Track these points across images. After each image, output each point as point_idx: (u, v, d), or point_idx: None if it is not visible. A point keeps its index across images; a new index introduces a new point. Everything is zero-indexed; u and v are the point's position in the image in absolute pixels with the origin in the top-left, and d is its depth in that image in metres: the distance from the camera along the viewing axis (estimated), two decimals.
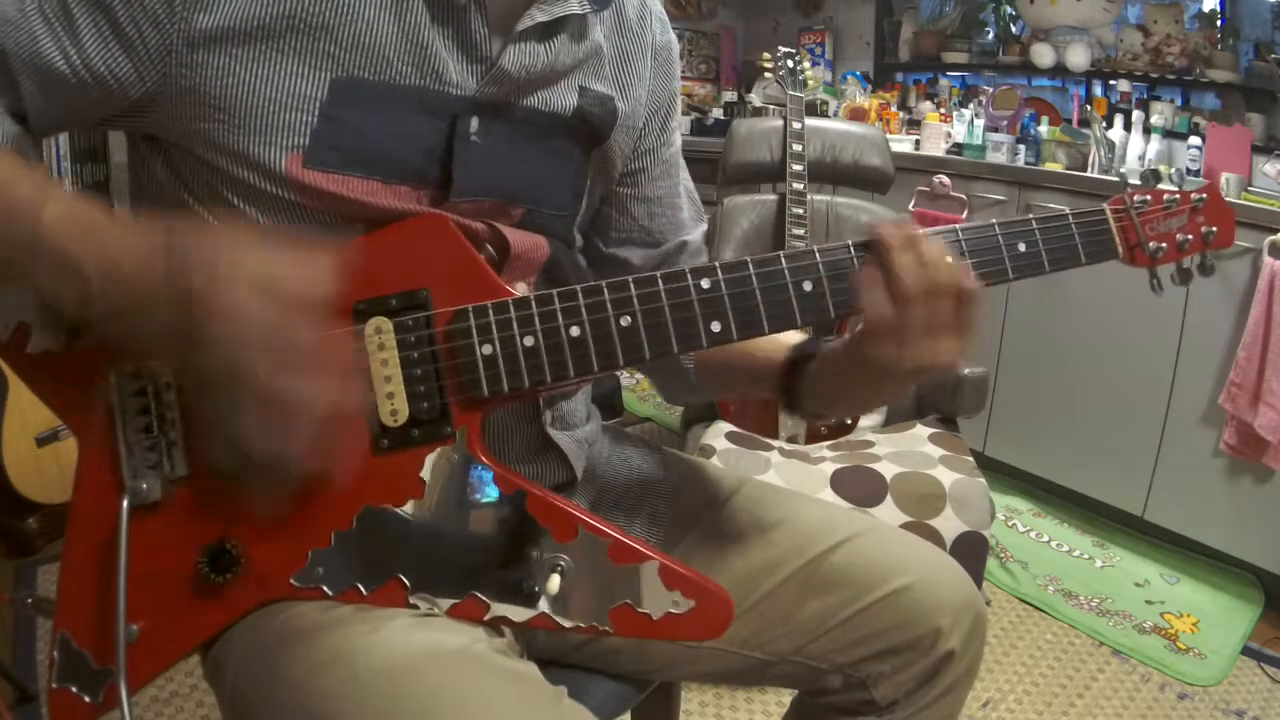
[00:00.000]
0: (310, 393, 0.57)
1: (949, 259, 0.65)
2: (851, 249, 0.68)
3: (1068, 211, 0.73)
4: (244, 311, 0.55)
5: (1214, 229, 0.77)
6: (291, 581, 0.65)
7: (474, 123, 0.69)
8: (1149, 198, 0.75)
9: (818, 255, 0.68)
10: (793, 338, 0.79)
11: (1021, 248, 0.70)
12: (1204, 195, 0.77)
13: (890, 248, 0.65)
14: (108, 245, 0.57)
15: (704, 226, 0.94)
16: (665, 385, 0.95)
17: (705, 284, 0.66)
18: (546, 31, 0.72)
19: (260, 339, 0.55)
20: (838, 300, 0.68)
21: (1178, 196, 0.76)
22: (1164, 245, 0.75)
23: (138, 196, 0.73)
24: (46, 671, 0.67)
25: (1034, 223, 0.71)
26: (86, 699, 0.65)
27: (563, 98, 0.75)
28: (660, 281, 0.66)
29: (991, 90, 2.89)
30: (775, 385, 0.79)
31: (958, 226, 0.70)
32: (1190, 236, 0.76)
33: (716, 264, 0.67)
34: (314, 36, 0.64)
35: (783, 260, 0.67)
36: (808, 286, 0.67)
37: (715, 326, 0.66)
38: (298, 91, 0.64)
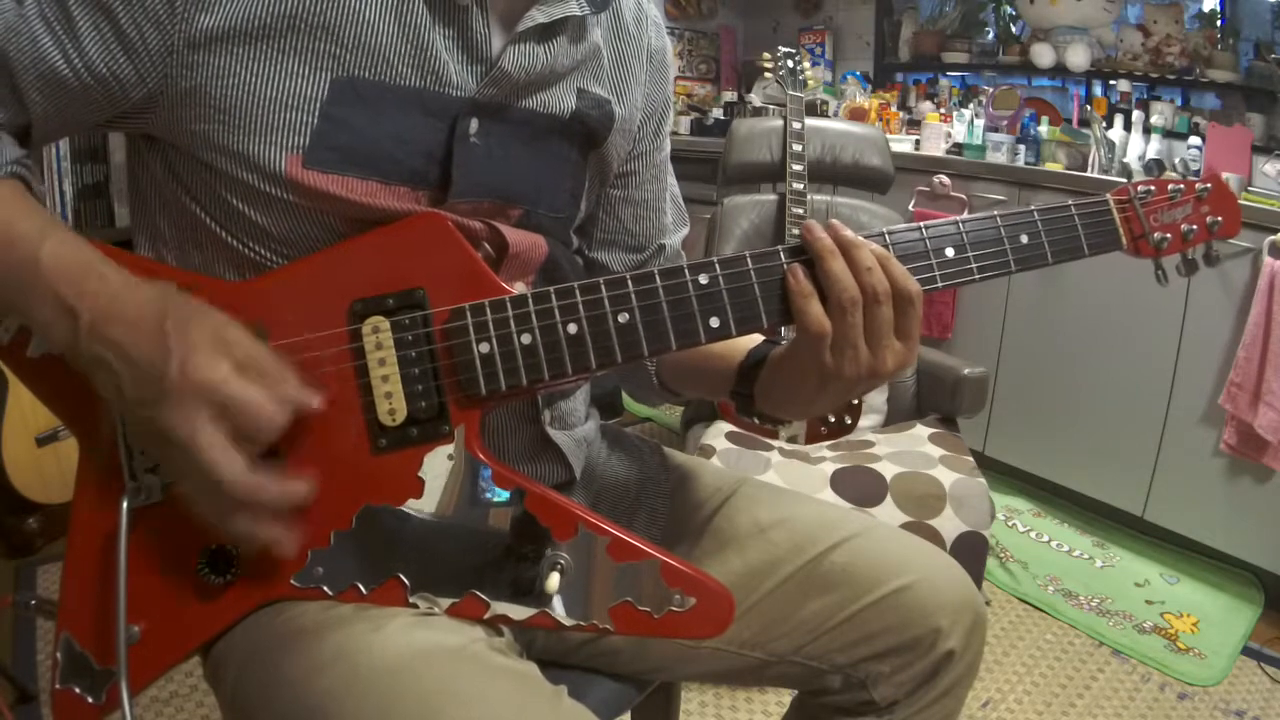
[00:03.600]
0: (240, 519, 0.59)
1: (885, 263, 0.65)
2: (784, 266, 0.67)
3: (1070, 203, 0.72)
4: (199, 428, 0.56)
5: (1219, 219, 0.76)
6: (291, 582, 0.65)
7: (473, 124, 0.69)
8: (1153, 188, 0.74)
9: None
10: (750, 342, 0.79)
11: (1024, 239, 0.70)
12: (1209, 185, 0.76)
13: (822, 255, 0.65)
14: (101, 296, 0.58)
15: (685, 231, 0.95)
16: (632, 387, 0.95)
17: (703, 279, 0.66)
18: (546, 33, 0.72)
19: (206, 458, 0.56)
20: None
21: (1182, 186, 0.75)
22: (1168, 236, 0.74)
23: (136, 198, 0.73)
24: (49, 672, 0.67)
25: (1036, 214, 0.70)
26: (89, 700, 0.65)
27: (561, 100, 0.75)
28: (658, 278, 0.66)
29: (991, 90, 2.89)
30: (730, 390, 0.78)
31: (959, 219, 0.69)
32: (1195, 226, 0.75)
33: (715, 259, 0.66)
34: (315, 37, 0.64)
35: (781, 255, 0.67)
36: None
37: (714, 322, 0.66)
38: (298, 92, 0.64)
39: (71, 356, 0.59)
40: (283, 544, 0.62)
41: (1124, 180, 0.75)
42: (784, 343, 0.75)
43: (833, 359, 0.65)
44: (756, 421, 0.79)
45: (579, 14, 0.73)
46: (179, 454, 0.57)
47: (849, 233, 0.66)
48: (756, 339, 0.79)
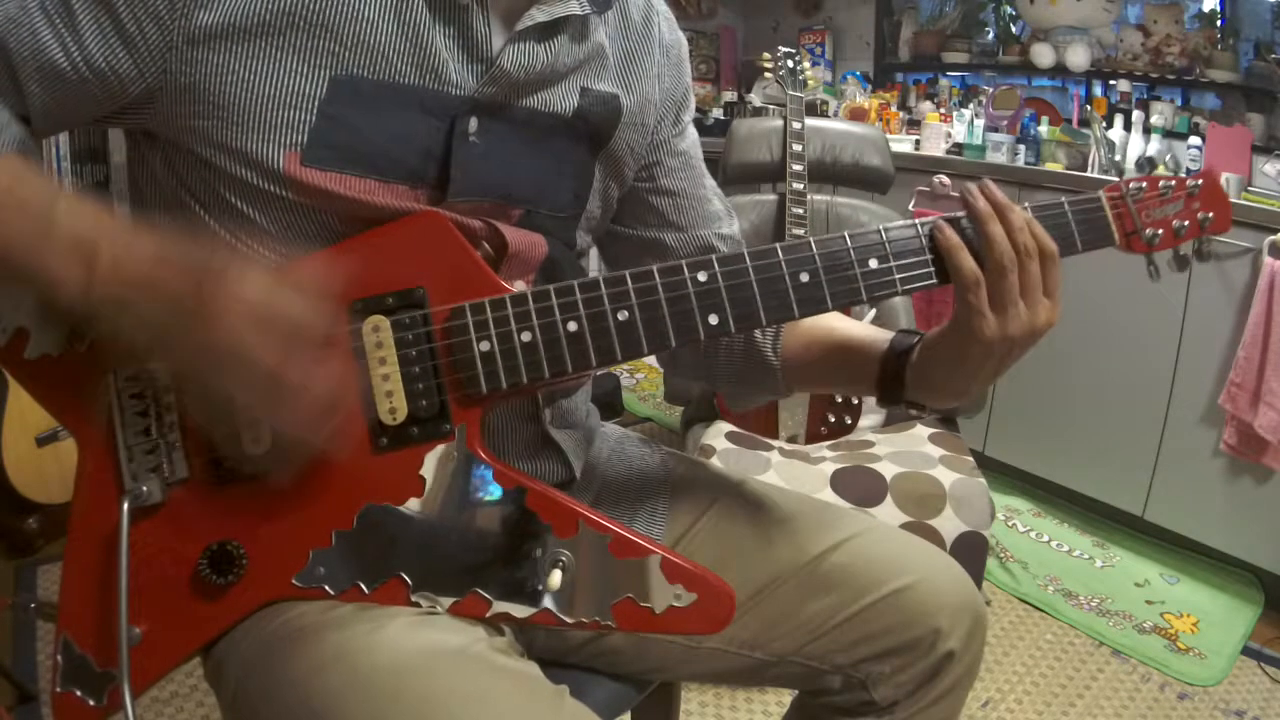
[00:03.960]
0: (312, 379, 0.59)
1: (1031, 225, 0.68)
2: (918, 227, 0.69)
3: (1063, 200, 0.73)
4: (244, 331, 0.56)
5: (1210, 215, 0.77)
6: (293, 582, 0.65)
7: (473, 123, 0.69)
8: (1145, 184, 0.75)
9: (814, 247, 0.68)
10: (884, 332, 0.80)
11: None
12: (1199, 181, 0.77)
13: (984, 219, 0.68)
14: (120, 237, 0.58)
15: (736, 223, 0.94)
16: (738, 389, 0.92)
17: (702, 277, 0.67)
18: (546, 32, 0.71)
19: (258, 355, 0.57)
20: (835, 291, 0.68)
21: (1173, 183, 0.76)
22: (1160, 232, 0.75)
23: (136, 196, 0.73)
24: (49, 674, 0.67)
25: (1030, 211, 0.71)
26: (90, 702, 0.65)
27: (563, 99, 0.75)
28: (657, 275, 0.66)
29: (991, 90, 2.89)
30: (875, 380, 0.79)
31: (959, 215, 0.70)
32: (1186, 223, 0.76)
33: (713, 257, 0.67)
34: (314, 34, 0.64)
35: (779, 252, 0.67)
36: (804, 278, 0.68)
37: (713, 319, 0.67)
38: (297, 89, 0.64)
39: (87, 306, 0.58)
40: (350, 425, 0.62)
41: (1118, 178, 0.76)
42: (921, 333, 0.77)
43: (996, 319, 0.68)
44: (903, 409, 0.81)
45: (580, 13, 0.73)
46: (226, 367, 0.57)
47: (1001, 196, 0.69)
48: (886, 331, 0.80)
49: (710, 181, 0.92)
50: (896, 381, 0.77)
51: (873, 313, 1.92)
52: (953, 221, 0.69)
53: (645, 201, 0.87)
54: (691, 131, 0.90)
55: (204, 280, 0.57)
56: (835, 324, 0.83)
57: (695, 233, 0.88)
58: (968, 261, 0.68)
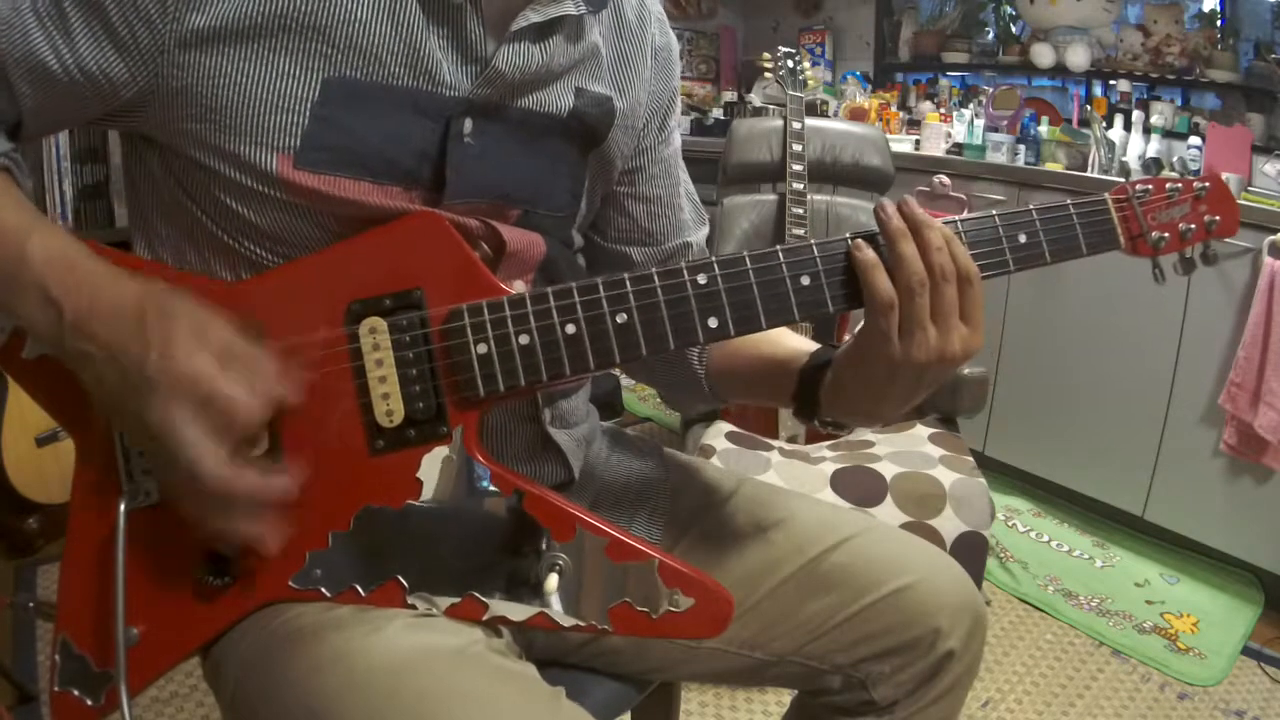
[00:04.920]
0: (235, 482, 0.58)
1: (951, 244, 0.65)
2: (849, 242, 0.67)
3: (1069, 202, 0.71)
4: (177, 420, 0.56)
5: (1217, 218, 0.75)
6: (290, 583, 0.65)
7: (468, 124, 0.69)
8: (1151, 187, 0.74)
9: (815, 250, 0.67)
10: (808, 345, 0.78)
11: (1022, 239, 0.69)
12: (1207, 184, 0.75)
13: (895, 237, 0.65)
14: (85, 290, 0.58)
15: (705, 230, 0.94)
16: (675, 396, 0.94)
17: (702, 279, 0.66)
18: (541, 32, 0.71)
19: (184, 451, 0.56)
20: (835, 295, 0.67)
21: (1180, 185, 0.74)
22: (1166, 235, 0.73)
23: (133, 197, 0.73)
24: (48, 673, 0.67)
25: (1034, 213, 0.70)
26: (88, 702, 0.65)
27: (558, 99, 0.75)
28: (656, 278, 0.65)
29: (991, 90, 2.89)
30: (791, 395, 0.77)
31: (957, 218, 0.69)
32: (1193, 226, 0.75)
33: (713, 259, 0.66)
34: (306, 37, 0.64)
35: (780, 255, 0.66)
36: (805, 281, 0.67)
37: (712, 322, 0.66)
38: (289, 92, 0.64)
39: (57, 351, 0.60)
40: (263, 542, 0.61)
41: (1123, 180, 0.75)
42: (849, 339, 0.75)
43: (901, 343, 0.64)
44: (819, 427, 0.78)
45: (575, 13, 0.72)
46: (161, 447, 0.57)
47: (920, 212, 0.66)
48: (810, 344, 0.78)
49: (686, 187, 0.92)
50: (812, 399, 0.75)
51: None
52: (871, 239, 0.67)
53: (621, 206, 0.87)
54: (675, 138, 0.90)
55: (152, 348, 0.56)
56: (763, 334, 0.77)
57: (663, 245, 0.89)
58: (882, 281, 0.64)
